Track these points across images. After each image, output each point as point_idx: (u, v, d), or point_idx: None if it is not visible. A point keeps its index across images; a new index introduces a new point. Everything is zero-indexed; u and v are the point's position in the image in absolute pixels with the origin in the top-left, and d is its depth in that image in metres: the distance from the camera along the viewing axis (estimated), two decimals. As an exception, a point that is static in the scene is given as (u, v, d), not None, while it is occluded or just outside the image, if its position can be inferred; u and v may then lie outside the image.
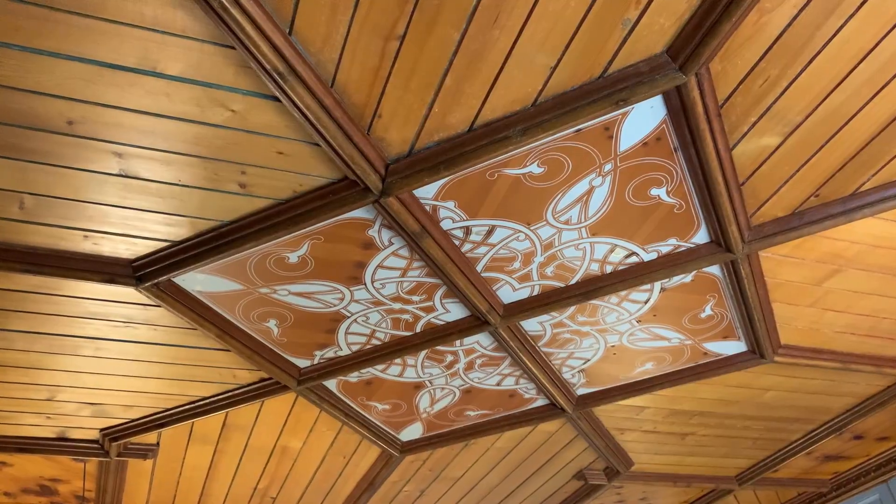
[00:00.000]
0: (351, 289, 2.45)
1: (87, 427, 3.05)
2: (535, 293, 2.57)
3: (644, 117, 1.93)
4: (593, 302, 2.64)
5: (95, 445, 3.15)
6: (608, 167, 2.07)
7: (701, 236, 2.37)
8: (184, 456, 3.35)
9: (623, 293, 2.62)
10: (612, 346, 2.93)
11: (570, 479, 4.03)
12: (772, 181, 2.17)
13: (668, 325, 2.82)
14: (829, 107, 1.94)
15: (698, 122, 1.90)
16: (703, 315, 2.79)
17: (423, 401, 3.20)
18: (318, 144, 1.88)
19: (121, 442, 3.11)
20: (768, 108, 1.92)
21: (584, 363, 3.02)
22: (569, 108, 1.83)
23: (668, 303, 2.69)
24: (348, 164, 1.90)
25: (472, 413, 3.33)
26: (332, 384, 2.98)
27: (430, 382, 3.06)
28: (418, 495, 4.05)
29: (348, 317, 2.59)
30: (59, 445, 3.12)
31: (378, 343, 2.75)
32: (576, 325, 2.76)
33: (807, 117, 1.96)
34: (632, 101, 1.82)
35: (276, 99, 1.75)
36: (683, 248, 2.42)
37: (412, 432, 3.43)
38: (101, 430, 3.08)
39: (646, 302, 2.68)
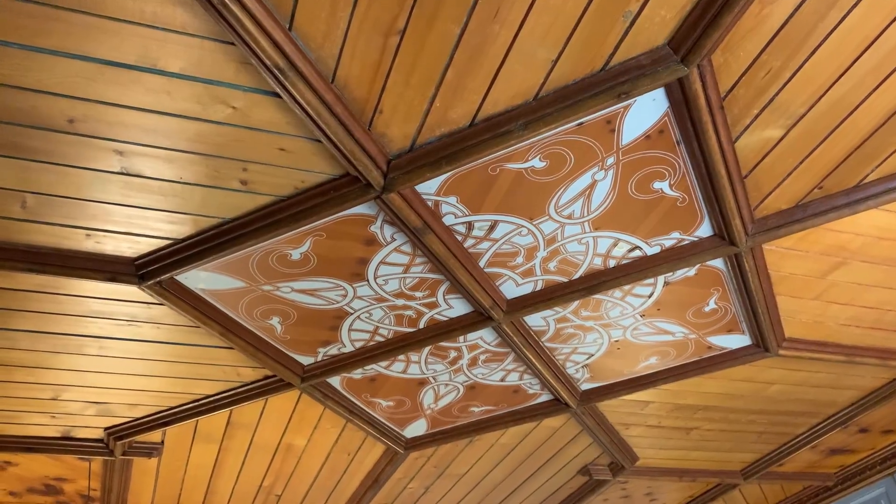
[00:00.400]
0: (354, 285, 2.45)
1: (91, 426, 3.06)
2: (538, 288, 2.56)
3: (646, 110, 1.92)
4: (597, 297, 2.64)
5: (100, 444, 3.15)
6: (610, 161, 2.06)
7: (704, 230, 2.37)
8: (188, 454, 3.35)
9: (626, 287, 2.61)
10: (616, 341, 2.92)
11: (574, 474, 4.03)
12: (775, 174, 2.17)
13: (672, 320, 2.82)
14: (833, 98, 1.93)
15: (701, 115, 1.89)
16: (707, 309, 2.78)
17: (427, 397, 3.20)
18: (319, 141, 1.87)
19: (125, 441, 3.11)
20: (771, 100, 1.92)
21: (588, 358, 3.01)
22: (570, 102, 1.82)
23: (672, 297, 2.69)
24: (350, 160, 1.90)
25: (476, 409, 3.32)
26: (335, 381, 2.98)
27: (434, 379, 3.06)
28: (423, 492, 4.05)
29: (351, 313, 2.59)
30: (63, 445, 3.12)
31: (381, 339, 2.75)
32: (579, 319, 2.76)
33: (810, 109, 1.96)
34: (634, 93, 1.81)
35: (277, 95, 1.75)
36: (687, 242, 2.41)
37: (416, 429, 3.42)
38: (106, 428, 3.08)
39: (649, 296, 2.67)
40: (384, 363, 2.90)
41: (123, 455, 3.21)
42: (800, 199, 2.28)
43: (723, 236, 2.37)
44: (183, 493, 3.70)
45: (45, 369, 2.64)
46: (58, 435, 3.08)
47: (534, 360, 2.91)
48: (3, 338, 2.44)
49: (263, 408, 3.07)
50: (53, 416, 2.94)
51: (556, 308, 2.67)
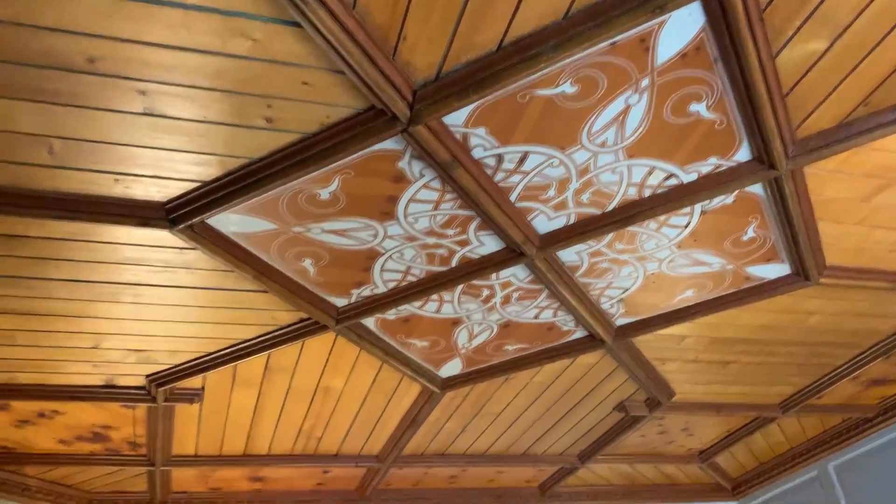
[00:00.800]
0: (384, 224, 2.42)
1: (133, 374, 3.11)
2: (571, 222, 2.51)
3: (682, 26, 1.83)
4: (631, 229, 2.58)
5: (142, 392, 3.21)
6: (645, 83, 1.98)
7: (743, 154, 2.29)
8: (229, 399, 3.40)
9: (662, 218, 2.55)
10: (652, 274, 2.87)
11: (611, 411, 4.03)
12: (818, 90, 2.07)
13: (709, 250, 2.76)
14: (881, 3, 1.82)
15: (739, 29, 1.80)
16: (745, 238, 2.72)
17: (462, 336, 3.19)
18: (342, 72, 1.82)
19: (167, 387, 3.16)
20: (815, 10, 1.81)
21: (623, 293, 2.97)
22: (602, 19, 1.74)
23: (709, 226, 2.62)
24: (374, 92, 1.85)
25: (510, 347, 3.32)
26: (370, 322, 2.98)
27: (468, 318, 3.05)
28: (460, 431, 4.08)
29: (383, 253, 2.57)
30: (107, 393, 3.19)
31: (414, 279, 2.74)
32: (614, 253, 2.71)
33: (856, 17, 1.85)
34: (669, 7, 1.73)
35: (297, 25, 1.69)
36: (725, 168, 2.34)
37: (451, 368, 3.43)
38: (147, 376, 3.13)
39: (686, 226, 2.61)
40: (417, 303, 2.89)
41: (165, 402, 3.26)
42: (844, 118, 2.18)
43: (762, 160, 2.29)
44: (226, 438, 3.78)
45: (84, 318, 2.67)
46: (101, 383, 3.15)
47: (568, 296, 2.88)
48: (40, 287, 2.47)
49: (300, 351, 3.09)
50: (95, 365, 2.99)
51: (590, 242, 2.62)
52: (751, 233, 2.69)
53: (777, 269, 2.92)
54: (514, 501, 4.99)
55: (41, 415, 3.32)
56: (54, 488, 3.97)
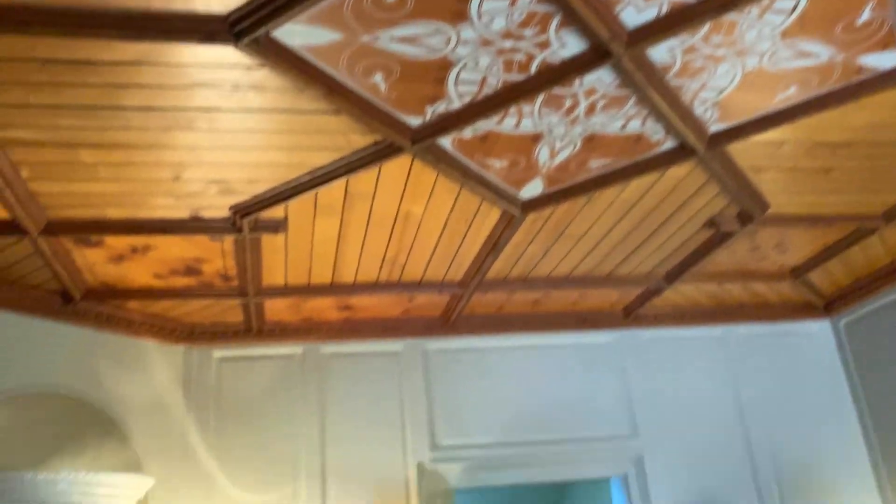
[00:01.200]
0: (456, 28, 2.25)
1: (216, 205, 3.14)
2: (663, 13, 2.27)
3: None
4: (730, 17, 2.32)
5: (228, 223, 3.25)
6: None
7: (867, -88, 1.98)
8: (313, 228, 3.43)
9: (765, 2, 2.28)
10: (751, 71, 2.62)
11: (700, 227, 3.88)
12: None
13: (818, 38, 2.48)
14: None
15: None
16: (859, 21, 2.42)
17: (543, 154, 3.06)
18: None
19: (251, 217, 3.19)
20: None
21: (719, 94, 2.74)
22: None
23: (819, 9, 2.33)
24: None
25: (594, 164, 3.17)
26: (446, 142, 2.87)
27: (549, 132, 2.90)
28: (542, 255, 4.05)
29: (456, 63, 2.41)
30: (194, 225, 3.25)
31: (490, 92, 2.58)
32: (710, 48, 2.47)
33: None
34: None
35: None
36: (844, -68, 2.03)
37: (532, 189, 3.33)
38: (231, 207, 3.16)
39: (792, 10, 2.33)
40: (495, 118, 2.75)
41: (251, 232, 3.31)
42: None
43: (890, -82, 1.98)
44: (313, 268, 3.86)
45: (162, 148, 2.66)
46: (186, 216, 3.20)
47: (658, 101, 2.68)
48: (115, 117, 2.45)
49: (378, 176, 3.04)
50: (178, 198, 3.03)
51: (684, 35, 2.38)
52: (867, 14, 2.39)
53: (894, 58, 2.62)
54: (598, 324, 5.02)
55: (134, 250, 3.44)
56: (157, 321, 4.21)
